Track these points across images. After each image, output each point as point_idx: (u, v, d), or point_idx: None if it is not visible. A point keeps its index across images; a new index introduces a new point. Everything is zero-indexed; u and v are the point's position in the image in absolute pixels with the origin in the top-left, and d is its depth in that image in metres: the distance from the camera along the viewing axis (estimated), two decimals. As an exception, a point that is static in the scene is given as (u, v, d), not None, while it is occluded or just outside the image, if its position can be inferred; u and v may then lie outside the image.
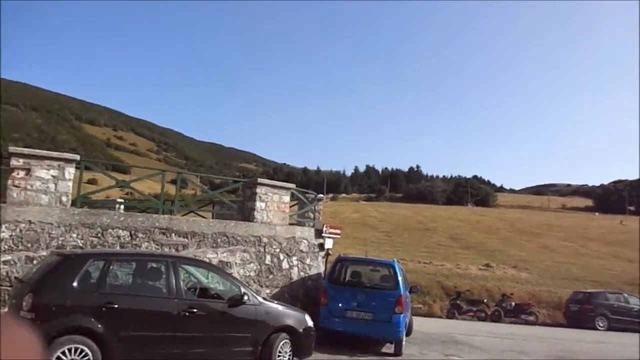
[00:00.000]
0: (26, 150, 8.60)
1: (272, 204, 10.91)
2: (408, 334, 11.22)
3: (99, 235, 8.71)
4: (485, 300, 20.46)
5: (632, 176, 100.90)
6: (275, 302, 8.21)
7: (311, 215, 12.97)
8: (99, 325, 5.85)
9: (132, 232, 9.04)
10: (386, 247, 36.34)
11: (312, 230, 11.86)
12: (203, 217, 12.09)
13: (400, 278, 9.97)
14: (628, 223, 54.03)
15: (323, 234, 11.93)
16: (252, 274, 10.21)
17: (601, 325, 19.04)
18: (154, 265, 7.01)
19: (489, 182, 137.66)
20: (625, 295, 20.32)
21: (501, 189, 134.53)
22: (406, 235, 43.28)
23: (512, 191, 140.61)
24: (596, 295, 19.85)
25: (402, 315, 9.53)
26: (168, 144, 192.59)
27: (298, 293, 10.90)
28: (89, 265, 6.23)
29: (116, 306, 6.01)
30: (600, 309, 19.27)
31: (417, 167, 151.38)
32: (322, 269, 12.15)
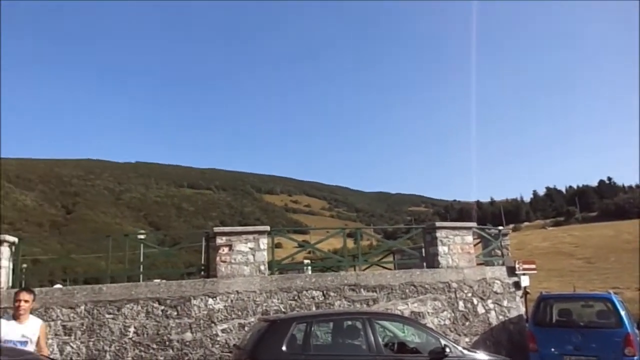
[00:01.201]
0: (227, 229, 9.72)
1: (455, 246, 10.49)
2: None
3: (296, 298, 9.27)
4: None
5: None
6: (479, 351, 7.66)
7: (498, 252, 12.12)
8: (309, 386, 6.08)
9: (324, 291, 9.43)
10: (590, 275, 32.06)
11: (503, 268, 11.03)
12: (387, 268, 12.12)
13: (623, 313, 8.59)
14: None
15: (516, 271, 11.00)
16: (447, 322, 9.78)
17: None
18: (350, 323, 7.14)
19: None
20: None
21: None
22: (613, 259, 37.70)
23: None
24: None
25: (635, 358, 8.11)
26: (338, 200, 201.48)
27: (501, 339, 10.08)
28: (294, 328, 6.60)
29: (322, 367, 6.21)
30: None
31: (609, 179, 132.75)
32: (522, 310, 11.12)
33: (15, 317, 5.50)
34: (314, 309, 9.17)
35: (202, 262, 12.21)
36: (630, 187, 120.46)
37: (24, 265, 9.73)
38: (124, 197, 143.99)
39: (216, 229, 9.62)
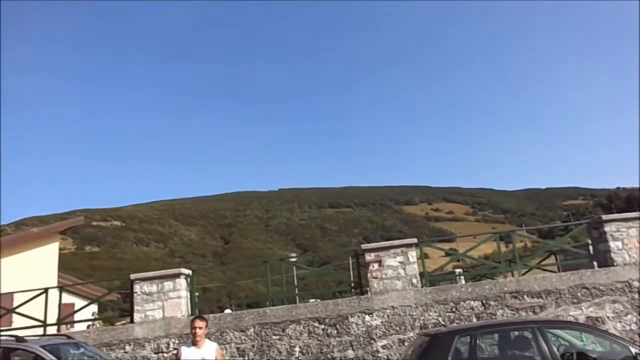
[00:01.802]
0: (374, 245, 9.79)
1: (630, 240, 9.27)
2: None
3: (453, 309, 8.94)
4: None
5: None
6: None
7: (688, 242, 10.41)
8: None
9: (483, 301, 8.96)
10: None
11: (698, 260, 9.44)
12: (550, 271, 11.13)
13: None
14: None
15: None
16: (633, 327, 8.62)
17: None
18: (518, 333, 6.66)
19: None
20: None
21: None
22: None
23: None
24: None
25: None
26: (482, 202, 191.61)
27: None
28: (457, 342, 6.34)
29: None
30: None
31: None
32: None
33: (194, 342, 6.12)
34: (474, 320, 8.76)
35: (352, 279, 12.40)
36: None
37: (197, 294, 10.82)
38: (271, 224, 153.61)
39: (364, 246, 9.74)
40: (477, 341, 6.44)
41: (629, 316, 8.70)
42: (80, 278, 32.28)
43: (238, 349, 9.00)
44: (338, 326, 8.91)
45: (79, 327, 12.97)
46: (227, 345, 8.97)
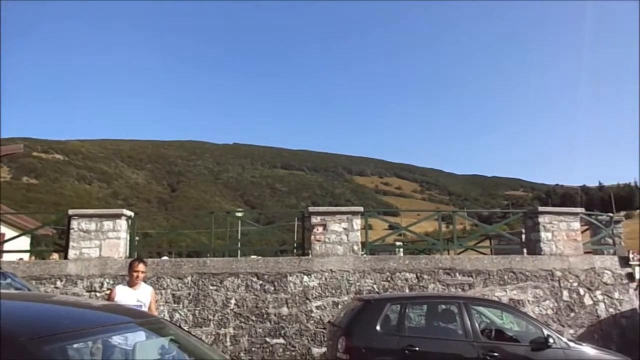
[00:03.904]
0: (321, 209, 9.92)
1: (560, 232, 9.85)
2: None
3: (389, 279, 9.28)
4: None
5: None
6: (585, 344, 7.17)
7: (609, 240, 11.20)
8: (404, 368, 6.07)
9: (418, 274, 9.34)
10: None
11: (615, 258, 10.18)
12: (483, 253, 11.71)
13: None
14: None
15: (630, 262, 10.11)
16: (549, 312, 9.27)
17: None
18: (445, 307, 7.01)
19: None
20: None
21: None
22: None
23: None
24: None
25: None
26: (430, 182, 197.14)
27: (611, 333, 9.37)
28: (388, 309, 6.61)
29: (417, 349, 6.15)
30: None
31: None
32: (636, 304, 10.22)
33: (130, 284, 6.03)
34: (407, 291, 9.13)
35: (295, 240, 12.56)
36: None
37: (137, 238, 10.65)
38: (222, 177, 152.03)
39: (311, 209, 9.85)
40: (407, 310, 6.73)
41: (547, 302, 9.33)
42: (14, 209, 30.92)
43: (174, 295, 9.00)
44: (276, 283, 9.06)
45: (9, 257, 12.53)
46: (163, 291, 8.95)
